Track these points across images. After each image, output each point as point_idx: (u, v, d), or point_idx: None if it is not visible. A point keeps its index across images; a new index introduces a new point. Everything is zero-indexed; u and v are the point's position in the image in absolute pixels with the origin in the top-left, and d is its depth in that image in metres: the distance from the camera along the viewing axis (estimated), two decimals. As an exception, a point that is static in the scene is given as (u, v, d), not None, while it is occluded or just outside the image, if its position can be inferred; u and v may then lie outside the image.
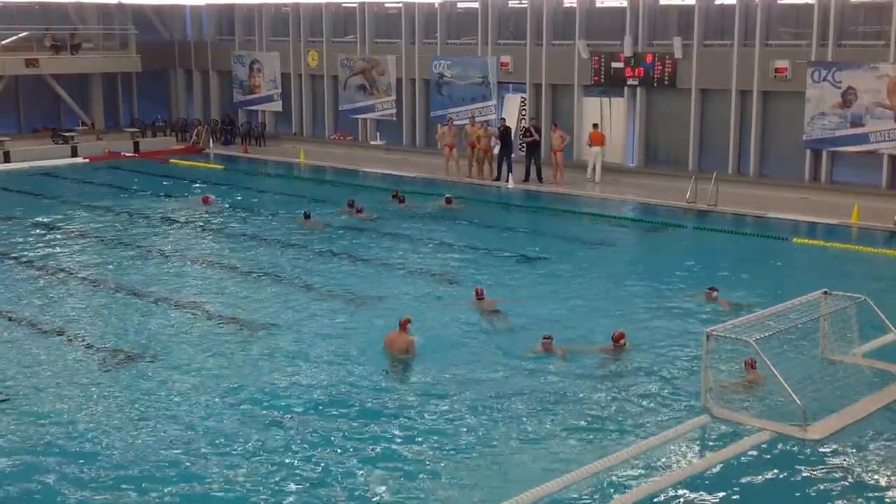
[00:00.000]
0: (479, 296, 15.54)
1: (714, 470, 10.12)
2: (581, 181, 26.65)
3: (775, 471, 10.09)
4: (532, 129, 27.10)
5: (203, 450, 10.54)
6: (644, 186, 25.92)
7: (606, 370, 12.87)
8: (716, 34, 25.94)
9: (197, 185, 27.72)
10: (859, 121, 23.39)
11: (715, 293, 15.54)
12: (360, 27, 32.49)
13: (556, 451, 10.55)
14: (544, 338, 13.38)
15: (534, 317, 15.03)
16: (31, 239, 20.74)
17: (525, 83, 28.92)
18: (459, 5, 30.62)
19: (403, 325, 13.38)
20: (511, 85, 29.72)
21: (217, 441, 10.74)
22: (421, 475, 9.99)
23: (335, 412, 11.50)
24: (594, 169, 26.84)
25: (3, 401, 11.90)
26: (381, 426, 11.13)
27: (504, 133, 27.27)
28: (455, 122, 28.62)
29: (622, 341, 13.39)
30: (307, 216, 22.05)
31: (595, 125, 27.19)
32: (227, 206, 24.50)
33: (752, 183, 25.15)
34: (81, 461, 10.27)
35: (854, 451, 10.51)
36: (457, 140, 28.19)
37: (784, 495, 9.69)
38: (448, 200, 23.87)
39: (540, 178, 26.80)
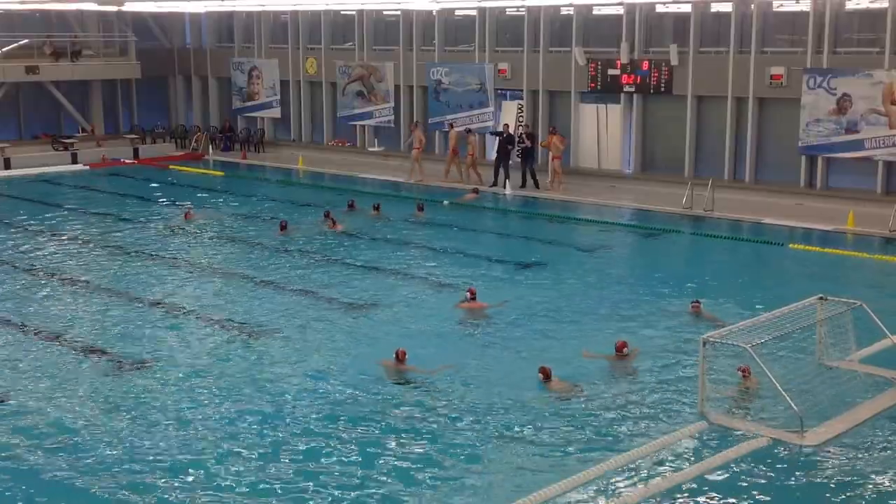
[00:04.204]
0: (472, 296, 15.72)
1: (711, 476, 10.23)
2: (578, 187, 26.79)
3: (772, 477, 10.21)
4: (525, 136, 27.29)
5: (201, 455, 10.66)
6: (640, 192, 26.07)
7: (603, 377, 12.99)
8: (712, 41, 26.11)
9: (186, 195, 27.81)
10: (854, 127, 23.56)
11: (699, 306, 15.42)
12: (359, 34, 32.65)
13: (554, 458, 10.67)
14: (541, 372, 12.64)
15: (530, 323, 15.20)
16: (30, 245, 20.83)
17: (522, 90, 29.09)
18: (457, 12, 30.77)
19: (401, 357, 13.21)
20: (508, 92, 29.89)
21: (215, 446, 10.87)
22: (420, 481, 10.13)
23: (332, 418, 11.65)
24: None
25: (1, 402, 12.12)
26: (382, 432, 11.26)
27: (506, 139, 27.42)
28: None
29: (625, 350, 13.48)
30: (283, 226, 21.74)
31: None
32: (221, 214, 24.35)
33: (747, 189, 25.30)
34: (79, 466, 10.41)
35: (851, 457, 10.62)
36: (423, 145, 29.02)
37: (781, 501, 9.80)
38: (420, 208, 23.86)
39: (536, 185, 26.95)
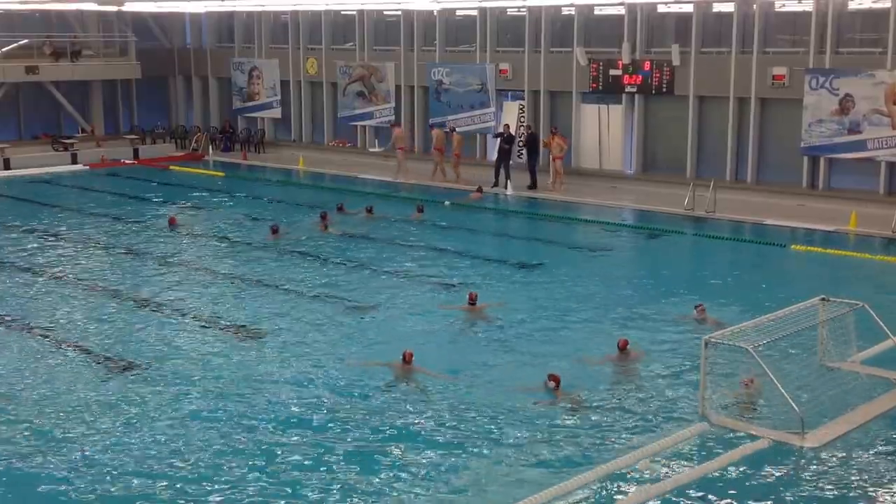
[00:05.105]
0: (472, 301, 15.62)
1: (712, 477, 10.16)
2: (579, 188, 26.72)
3: (773, 478, 10.14)
4: (525, 138, 27.24)
5: (195, 457, 10.58)
6: (642, 193, 26.00)
7: (605, 379, 12.93)
8: (713, 41, 26.04)
9: (186, 195, 27.76)
10: (857, 128, 23.48)
11: (703, 309, 15.25)
12: (359, 34, 32.60)
13: (555, 459, 10.60)
14: (552, 379, 12.44)
15: (531, 324, 15.12)
16: (28, 245, 20.76)
17: (523, 90, 29.02)
18: (458, 12, 30.71)
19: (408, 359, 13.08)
20: (510, 92, 29.83)
21: (209, 448, 10.79)
22: (420, 481, 10.06)
23: (330, 419, 11.57)
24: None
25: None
26: (381, 434, 11.19)
27: (507, 139, 27.32)
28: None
29: (627, 348, 13.42)
30: (275, 230, 21.42)
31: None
32: (209, 217, 24.18)
33: (749, 190, 25.24)
34: (72, 468, 10.33)
35: (852, 458, 10.56)
36: (409, 143, 29.96)
37: (782, 503, 9.74)
38: (420, 209, 23.73)
39: (534, 185, 26.84)
